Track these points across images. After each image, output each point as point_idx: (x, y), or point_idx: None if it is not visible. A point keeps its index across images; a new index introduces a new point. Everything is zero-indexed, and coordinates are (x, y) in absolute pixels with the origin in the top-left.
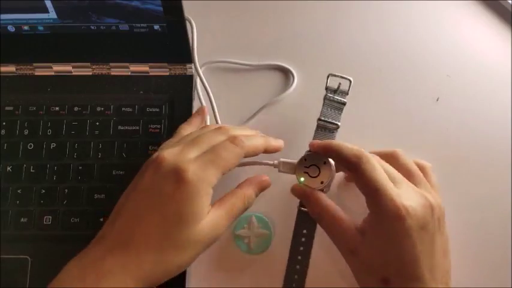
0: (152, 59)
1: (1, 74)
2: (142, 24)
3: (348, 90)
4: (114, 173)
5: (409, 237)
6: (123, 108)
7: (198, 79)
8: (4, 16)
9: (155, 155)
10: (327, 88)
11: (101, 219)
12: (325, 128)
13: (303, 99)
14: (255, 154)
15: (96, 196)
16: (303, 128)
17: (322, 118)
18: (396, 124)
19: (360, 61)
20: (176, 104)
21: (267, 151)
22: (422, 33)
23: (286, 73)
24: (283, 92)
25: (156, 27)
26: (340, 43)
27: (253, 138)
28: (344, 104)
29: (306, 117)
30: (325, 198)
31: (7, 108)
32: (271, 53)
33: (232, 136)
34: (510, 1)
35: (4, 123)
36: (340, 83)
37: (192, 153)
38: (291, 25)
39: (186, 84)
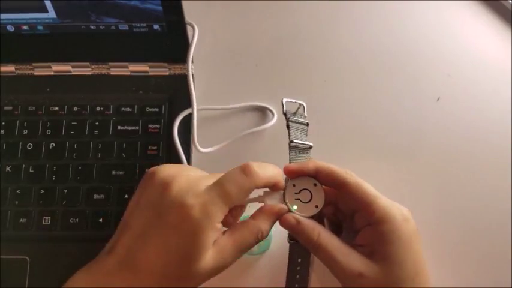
0: (152, 59)
1: (0, 74)
2: (142, 24)
3: (304, 112)
4: (113, 173)
5: (417, 236)
6: (122, 108)
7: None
8: (3, 16)
9: (165, 171)
10: (285, 113)
11: (100, 220)
12: (299, 148)
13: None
14: (268, 185)
15: (95, 196)
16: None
17: (294, 140)
18: (397, 124)
19: (360, 61)
20: (176, 104)
21: (276, 187)
22: (423, 33)
23: (265, 112)
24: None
25: (156, 26)
26: (341, 42)
27: (267, 166)
28: (307, 124)
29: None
30: (317, 228)
31: (6, 108)
32: (269, 58)
33: (246, 166)
34: (510, 1)
35: (3, 123)
36: (299, 106)
37: (204, 183)
38: (290, 27)
39: (186, 84)
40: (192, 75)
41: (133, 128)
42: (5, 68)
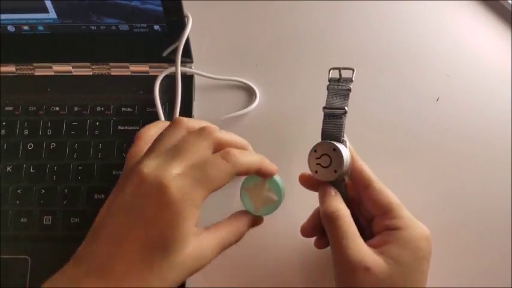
0: (152, 59)
1: (1, 74)
2: (142, 24)
3: (352, 77)
4: (114, 173)
5: (429, 258)
6: (123, 108)
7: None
8: (4, 16)
9: (134, 168)
10: (330, 80)
11: None
12: (332, 115)
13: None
14: (246, 174)
15: (96, 196)
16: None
17: (328, 106)
18: (396, 124)
19: (359, 62)
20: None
21: (259, 173)
22: (422, 33)
23: (250, 91)
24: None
25: (156, 27)
26: (340, 42)
27: (248, 154)
28: (349, 90)
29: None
30: (341, 202)
31: (7, 108)
32: (269, 58)
33: (225, 151)
34: (510, 1)
35: (4, 123)
36: (339, 76)
37: (176, 166)
38: (290, 27)
39: (186, 84)
40: (192, 75)
41: (133, 128)
42: (5, 68)
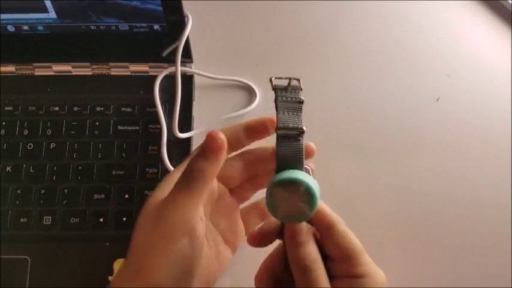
0: (152, 59)
1: (1, 74)
2: (142, 24)
3: (300, 86)
4: (113, 173)
5: None
6: (122, 108)
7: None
8: (4, 16)
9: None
10: (275, 88)
11: (101, 220)
12: (288, 136)
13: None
14: (235, 140)
15: (95, 196)
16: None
17: (281, 125)
18: (397, 124)
19: (360, 62)
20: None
21: (249, 128)
22: (423, 33)
23: (250, 91)
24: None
25: (156, 27)
26: (340, 42)
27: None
28: (301, 102)
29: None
30: (313, 242)
31: (7, 108)
32: (269, 58)
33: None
34: (510, 1)
35: (4, 123)
36: (290, 80)
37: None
38: (290, 27)
39: (186, 84)
40: (192, 74)
41: (133, 128)
42: (5, 68)
